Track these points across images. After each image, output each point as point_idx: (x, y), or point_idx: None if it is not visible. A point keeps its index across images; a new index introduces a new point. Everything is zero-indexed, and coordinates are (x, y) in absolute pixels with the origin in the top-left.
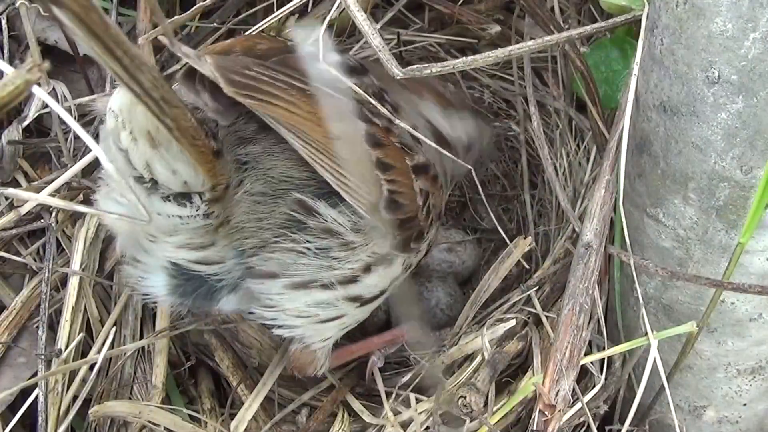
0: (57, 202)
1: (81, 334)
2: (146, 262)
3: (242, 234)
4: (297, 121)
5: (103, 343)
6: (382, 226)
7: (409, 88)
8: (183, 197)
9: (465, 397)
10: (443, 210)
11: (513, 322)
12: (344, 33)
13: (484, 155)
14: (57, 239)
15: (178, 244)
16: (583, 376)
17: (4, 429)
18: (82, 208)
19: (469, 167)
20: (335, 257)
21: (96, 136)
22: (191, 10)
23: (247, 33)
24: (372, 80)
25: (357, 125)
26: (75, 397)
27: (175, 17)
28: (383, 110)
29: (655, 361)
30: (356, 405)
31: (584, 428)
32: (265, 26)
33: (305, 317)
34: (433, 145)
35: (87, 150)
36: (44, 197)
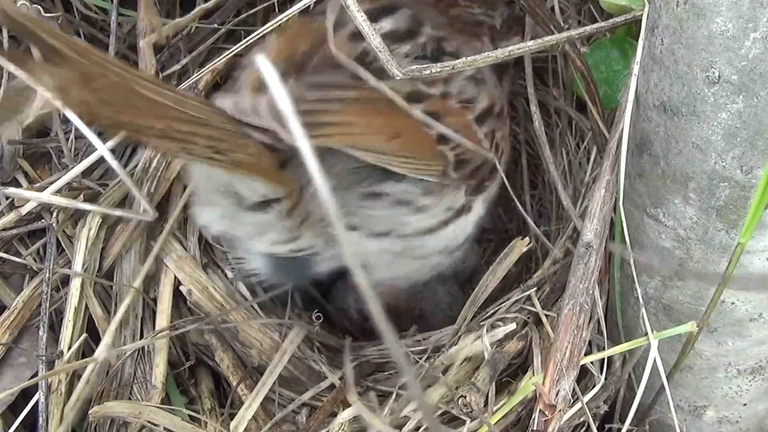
0: (60, 200)
1: (83, 335)
2: (246, 253)
3: (323, 224)
4: (355, 141)
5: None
6: (456, 182)
7: (468, 33)
8: (264, 205)
9: (465, 397)
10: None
11: (513, 326)
12: None
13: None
14: (57, 239)
15: (269, 242)
16: (583, 376)
17: (6, 430)
18: (86, 206)
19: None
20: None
21: (99, 135)
22: (192, 12)
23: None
24: (429, 32)
25: (412, 111)
26: (73, 396)
27: (176, 20)
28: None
29: (655, 361)
30: (357, 405)
31: (584, 428)
32: (270, 29)
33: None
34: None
35: (88, 150)
36: (47, 196)
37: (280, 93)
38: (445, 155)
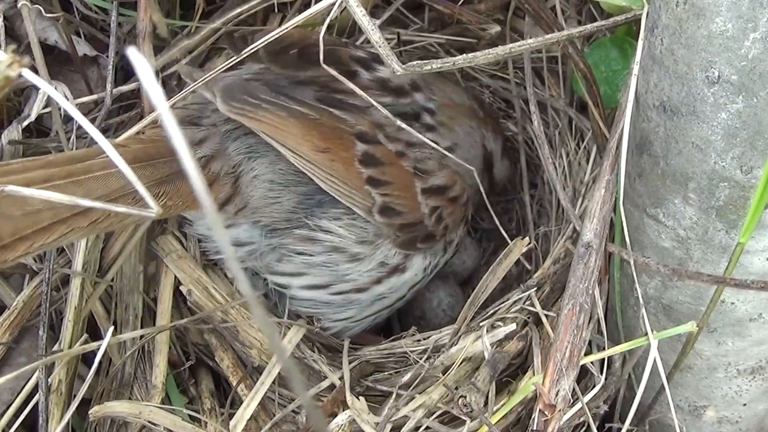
0: (60, 197)
1: (84, 335)
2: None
3: (259, 214)
4: (283, 136)
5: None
6: (383, 228)
7: (486, 122)
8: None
9: (465, 397)
10: (467, 218)
11: (513, 326)
12: (344, 33)
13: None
14: None
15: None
16: (583, 376)
17: (6, 430)
18: (86, 203)
19: (471, 168)
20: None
21: (105, 131)
22: (200, 34)
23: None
24: (421, 98)
25: (354, 146)
26: (75, 396)
27: (185, 42)
28: (410, 130)
29: (655, 361)
30: (357, 405)
31: (584, 428)
32: (282, 33)
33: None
34: (452, 157)
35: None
36: (47, 194)
37: (152, 86)
38: (372, 196)
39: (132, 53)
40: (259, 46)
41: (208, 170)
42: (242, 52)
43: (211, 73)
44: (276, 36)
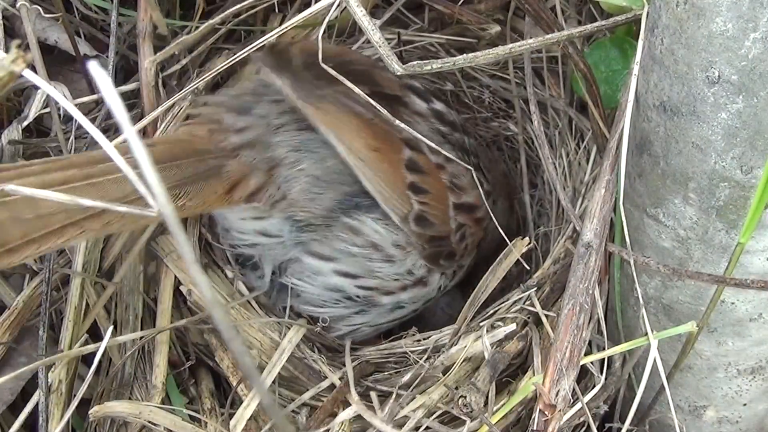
0: (60, 197)
1: (84, 335)
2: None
3: (293, 209)
4: (341, 129)
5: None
6: (413, 237)
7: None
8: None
9: (465, 397)
10: (480, 245)
11: (513, 326)
12: (344, 33)
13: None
14: None
15: (241, 216)
16: (583, 376)
17: (6, 430)
18: (87, 202)
19: (469, 168)
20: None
21: (105, 131)
22: (199, 29)
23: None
24: (468, 140)
25: (402, 150)
26: (75, 396)
27: (183, 37)
28: (441, 151)
29: (655, 361)
30: (356, 405)
31: (584, 428)
32: (281, 32)
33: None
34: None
35: (88, 149)
36: (47, 193)
37: (111, 96)
38: (411, 202)
39: (93, 67)
40: (259, 45)
41: (237, 157)
42: (244, 49)
43: (210, 72)
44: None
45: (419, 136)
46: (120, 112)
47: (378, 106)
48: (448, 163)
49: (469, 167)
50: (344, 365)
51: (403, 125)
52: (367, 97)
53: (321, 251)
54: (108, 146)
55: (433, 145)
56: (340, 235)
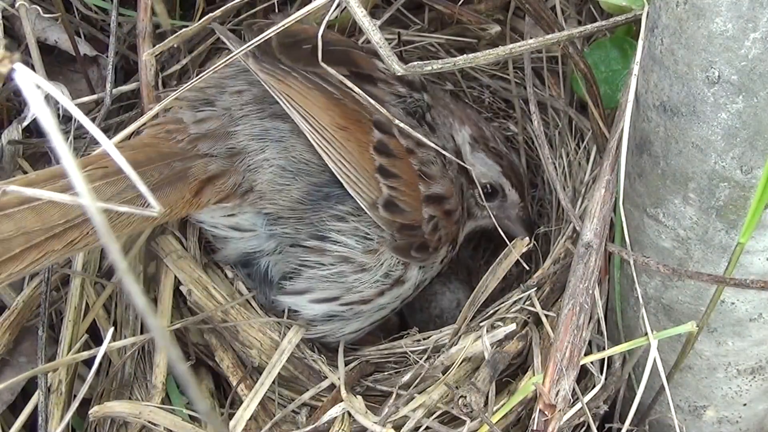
0: (61, 197)
1: (85, 335)
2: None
3: (264, 201)
4: (307, 105)
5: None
6: (383, 226)
7: (454, 112)
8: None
9: (465, 397)
10: (458, 239)
11: (513, 326)
12: (344, 33)
13: (511, 219)
14: None
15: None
16: (583, 376)
17: (6, 430)
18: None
19: (468, 167)
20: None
21: (105, 131)
22: (199, 22)
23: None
24: (424, 98)
25: (371, 132)
26: (75, 396)
27: (183, 30)
28: (413, 133)
29: (655, 361)
30: (357, 405)
31: (584, 428)
32: (279, 30)
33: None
34: (455, 159)
35: (88, 149)
36: (46, 193)
37: (41, 109)
38: (380, 186)
39: (20, 70)
40: (259, 44)
41: (194, 148)
42: (250, 43)
43: (213, 67)
44: (283, 28)
45: (389, 115)
46: (49, 123)
47: (353, 87)
48: (418, 147)
49: (438, 147)
50: (345, 365)
51: (378, 106)
52: (342, 77)
53: (293, 287)
54: (108, 145)
55: (405, 127)
56: (307, 260)
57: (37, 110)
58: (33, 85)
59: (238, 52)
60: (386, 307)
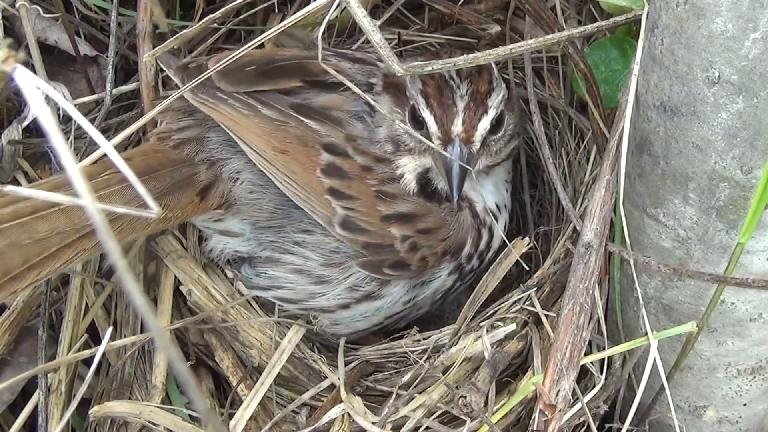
0: (60, 198)
1: (85, 335)
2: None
3: (249, 210)
4: (240, 132)
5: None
6: (346, 242)
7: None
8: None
9: (465, 397)
10: (456, 256)
11: (513, 326)
12: (344, 33)
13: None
14: None
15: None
16: (583, 376)
17: (6, 430)
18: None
19: (469, 168)
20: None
21: (105, 131)
22: (200, 23)
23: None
24: (369, 70)
25: (319, 154)
26: (75, 396)
27: (183, 32)
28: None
29: (655, 361)
30: (356, 405)
31: (584, 428)
32: (280, 30)
33: None
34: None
35: (88, 149)
36: (47, 194)
37: (42, 110)
38: (333, 207)
39: (20, 71)
40: (259, 44)
41: (181, 151)
42: (244, 48)
43: (209, 72)
44: (246, 52)
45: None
46: (50, 124)
47: (349, 84)
48: (378, 164)
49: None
50: (345, 365)
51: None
52: (335, 71)
53: (258, 283)
54: (107, 146)
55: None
56: (266, 271)
57: (38, 111)
58: (33, 85)
59: (235, 56)
60: (364, 319)
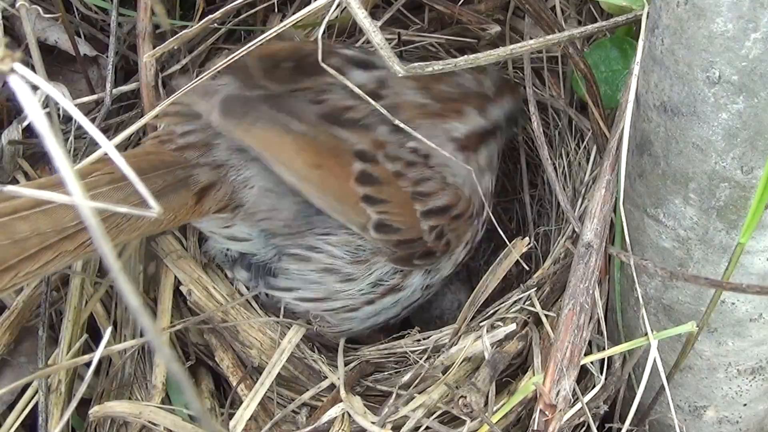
0: (60, 198)
1: (84, 335)
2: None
3: (259, 216)
4: (276, 151)
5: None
6: (379, 244)
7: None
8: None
9: (465, 397)
10: (477, 233)
11: (513, 326)
12: (344, 33)
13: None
14: None
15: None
16: (583, 376)
17: (6, 430)
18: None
19: (469, 168)
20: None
21: (105, 131)
22: (199, 23)
23: (263, 36)
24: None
25: (351, 164)
26: (75, 396)
27: (183, 32)
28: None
29: (655, 361)
30: (356, 405)
31: (584, 428)
32: (279, 31)
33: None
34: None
35: (88, 149)
36: (46, 194)
37: (36, 113)
38: (367, 213)
39: (14, 73)
40: (259, 43)
41: (181, 154)
42: (244, 48)
43: (198, 78)
44: (264, 42)
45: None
46: (44, 127)
47: (373, 103)
48: (408, 169)
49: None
50: (345, 365)
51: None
52: (356, 88)
53: (277, 284)
54: (108, 145)
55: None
56: (289, 268)
57: (32, 113)
58: (27, 88)
59: (235, 56)
60: (384, 312)
